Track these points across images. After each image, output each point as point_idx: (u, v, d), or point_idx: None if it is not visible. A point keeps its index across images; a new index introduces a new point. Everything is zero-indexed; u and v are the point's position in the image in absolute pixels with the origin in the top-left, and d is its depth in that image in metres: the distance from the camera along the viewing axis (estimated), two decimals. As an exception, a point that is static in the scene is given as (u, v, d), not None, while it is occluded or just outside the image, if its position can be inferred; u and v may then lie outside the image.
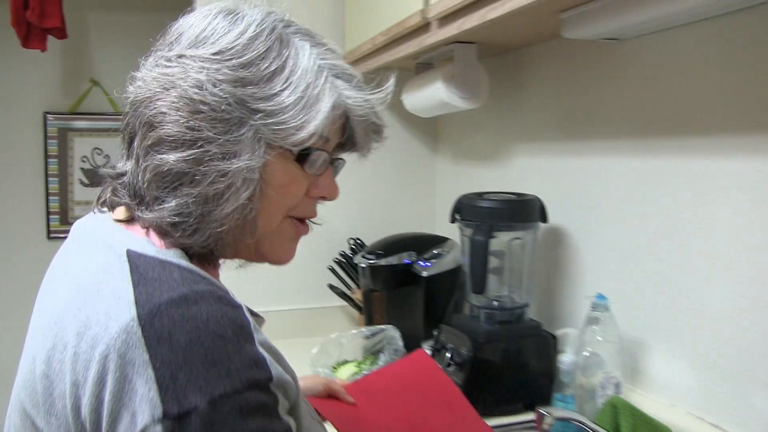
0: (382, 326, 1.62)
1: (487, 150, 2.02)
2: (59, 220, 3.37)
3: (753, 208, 1.11)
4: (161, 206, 0.74)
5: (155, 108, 0.74)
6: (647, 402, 1.33)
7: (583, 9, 1.24)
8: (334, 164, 0.88)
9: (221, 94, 0.73)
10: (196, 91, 0.73)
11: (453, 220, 1.60)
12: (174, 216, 0.73)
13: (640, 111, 1.36)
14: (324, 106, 0.76)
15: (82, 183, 3.40)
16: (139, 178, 0.75)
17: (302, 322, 2.18)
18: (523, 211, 1.53)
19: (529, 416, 1.44)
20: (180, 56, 0.75)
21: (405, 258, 1.87)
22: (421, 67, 1.89)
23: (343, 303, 2.19)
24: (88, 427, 0.65)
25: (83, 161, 3.41)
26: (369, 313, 1.99)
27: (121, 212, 0.80)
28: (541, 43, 1.69)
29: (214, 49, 0.75)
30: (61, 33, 2.64)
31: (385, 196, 2.33)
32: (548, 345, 1.52)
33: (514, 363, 1.51)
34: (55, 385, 0.68)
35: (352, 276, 2.18)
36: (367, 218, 2.30)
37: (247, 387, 0.65)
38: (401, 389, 1.17)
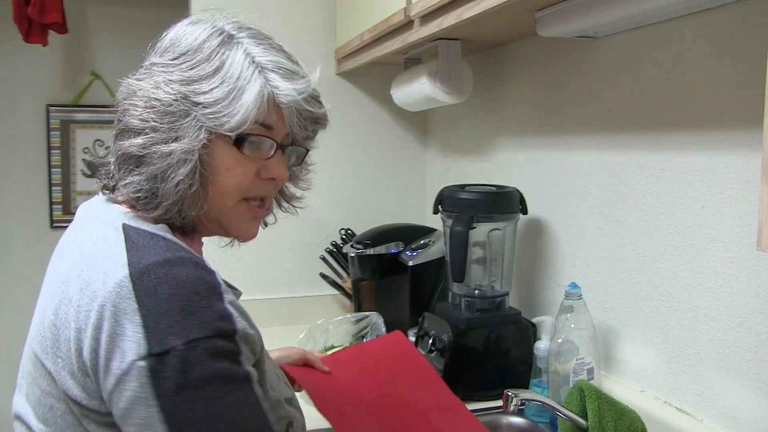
0: (367, 313, 1.67)
1: (473, 143, 2.06)
2: (62, 210, 3.44)
3: (726, 202, 1.15)
4: (125, 184, 0.89)
5: (124, 106, 0.90)
6: (619, 387, 1.38)
7: (556, 8, 1.29)
8: (285, 151, 0.97)
9: (172, 91, 0.88)
10: (153, 90, 0.88)
11: (436, 211, 1.65)
12: (134, 192, 0.88)
13: (615, 107, 1.41)
14: (249, 97, 0.88)
15: (83, 174, 3.46)
16: (112, 163, 0.92)
17: (294, 309, 2.24)
18: (503, 202, 1.58)
19: (507, 401, 1.49)
20: (152, 64, 0.92)
21: (392, 248, 1.92)
22: (409, 62, 1.94)
23: (335, 291, 2.25)
24: (88, 364, 0.79)
25: (85, 152, 3.46)
26: (358, 301, 2.04)
27: (115, 193, 0.94)
28: (522, 40, 1.74)
29: (174, 55, 0.91)
30: (61, 28, 2.69)
31: (377, 188, 2.38)
32: (527, 332, 1.58)
33: (493, 350, 1.56)
34: (61, 332, 0.81)
35: (342, 265, 2.23)
36: (358, 209, 2.35)
37: (216, 335, 0.79)
38: (375, 363, 1.22)
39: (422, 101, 1.83)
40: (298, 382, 1.13)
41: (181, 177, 0.87)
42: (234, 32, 0.93)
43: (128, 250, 0.83)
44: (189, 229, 0.95)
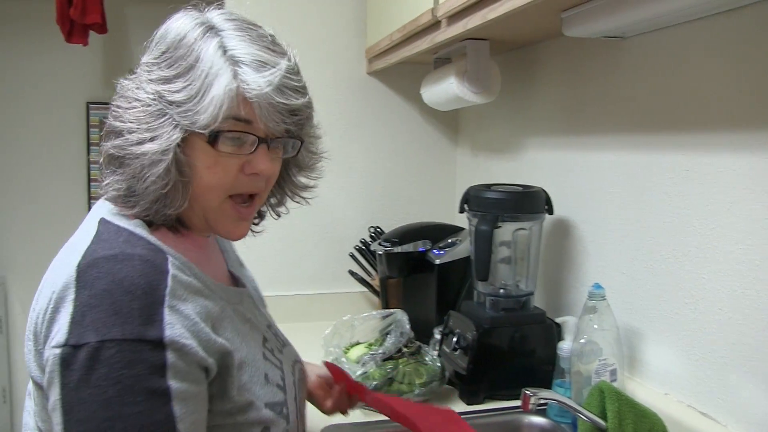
0: (392, 310, 1.69)
1: (501, 143, 2.07)
2: (100, 206, 3.51)
3: (750, 204, 1.14)
4: (106, 183, 0.91)
5: (112, 107, 0.92)
6: (642, 390, 1.37)
7: (581, 9, 1.29)
8: (271, 144, 0.93)
9: (151, 91, 0.88)
10: (136, 90, 0.90)
11: (462, 211, 1.66)
12: (113, 191, 0.90)
13: (642, 107, 1.40)
14: (216, 92, 0.85)
15: (121, 170, 3.53)
16: (100, 163, 0.94)
17: (324, 306, 2.26)
18: (528, 202, 1.58)
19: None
20: (141, 63, 0.92)
21: (420, 246, 1.94)
22: (439, 61, 1.94)
23: (363, 289, 2.27)
24: (39, 346, 0.83)
25: (123, 149, 3.54)
26: (385, 298, 2.06)
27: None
28: (549, 40, 1.74)
29: (157, 53, 0.91)
30: (101, 28, 2.76)
31: (406, 186, 2.40)
32: (551, 332, 1.58)
33: (517, 349, 1.56)
34: (34, 315, 0.85)
35: (371, 263, 2.25)
36: (387, 207, 2.37)
37: (134, 340, 0.77)
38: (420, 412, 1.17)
39: (451, 101, 1.83)
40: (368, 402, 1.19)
41: (154, 178, 0.86)
42: (219, 24, 0.91)
43: (91, 243, 0.85)
44: (178, 226, 0.95)
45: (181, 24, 0.91)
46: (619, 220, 1.48)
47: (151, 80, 0.89)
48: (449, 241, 1.93)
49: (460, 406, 1.53)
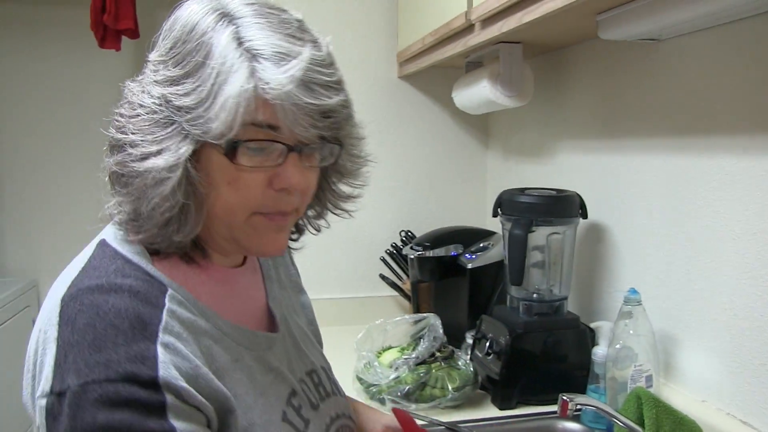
0: (425, 314, 1.68)
1: (534, 146, 2.05)
2: (131, 210, 3.54)
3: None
4: (111, 205, 0.79)
5: (114, 115, 0.79)
6: (678, 396, 1.35)
7: (617, 11, 1.28)
8: (303, 151, 0.78)
9: (156, 95, 0.75)
10: (140, 95, 0.76)
11: (495, 215, 1.65)
12: (118, 214, 0.78)
13: (677, 110, 1.38)
14: (229, 94, 0.71)
15: (153, 174, 3.56)
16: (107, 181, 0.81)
17: (355, 310, 2.27)
18: (562, 206, 1.57)
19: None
20: (148, 62, 0.79)
21: (452, 250, 1.93)
22: (471, 65, 1.94)
23: (394, 293, 2.27)
24: (26, 388, 0.74)
25: (154, 153, 3.57)
26: (417, 302, 2.06)
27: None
28: (583, 43, 1.72)
29: (164, 49, 0.77)
30: (134, 34, 2.79)
31: (437, 190, 2.39)
32: (585, 337, 1.56)
33: (550, 354, 1.55)
34: (30, 353, 0.75)
35: (402, 267, 2.25)
36: (419, 211, 2.36)
37: (122, 379, 0.66)
38: None
39: (483, 104, 1.83)
40: None
41: (158, 199, 0.73)
42: (235, 9, 0.75)
43: (80, 271, 0.76)
44: (195, 254, 0.83)
45: (191, 12, 0.76)
46: (655, 225, 1.46)
47: (156, 82, 0.75)
48: (481, 245, 1.93)
49: (492, 411, 1.53)
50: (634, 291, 1.35)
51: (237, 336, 0.83)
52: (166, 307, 0.74)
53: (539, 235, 1.59)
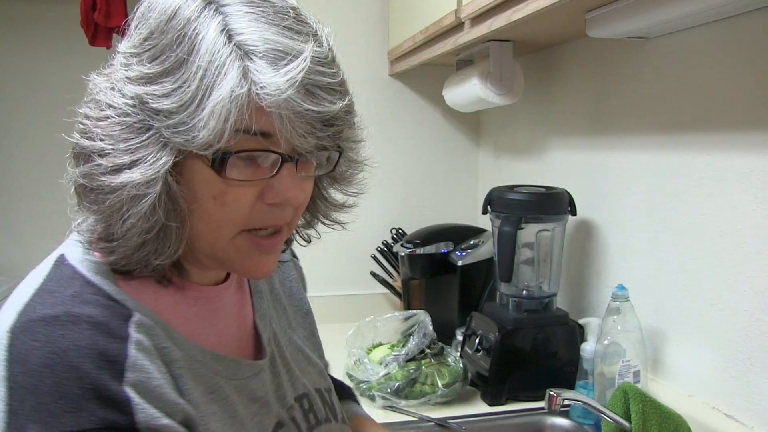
0: (415, 311, 1.69)
1: (524, 144, 2.06)
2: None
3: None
4: (77, 222, 0.70)
5: (78, 116, 0.68)
6: (666, 391, 1.37)
7: (606, 9, 1.29)
8: (299, 160, 0.69)
9: (129, 94, 0.64)
10: (109, 93, 0.66)
11: (485, 212, 1.66)
12: (86, 233, 0.69)
13: (665, 107, 1.39)
14: (219, 98, 0.61)
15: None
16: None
17: (345, 307, 2.27)
18: (552, 203, 1.58)
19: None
20: (117, 52, 0.69)
21: (442, 248, 1.94)
22: (461, 63, 1.95)
23: (385, 290, 2.27)
24: None
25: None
26: (407, 299, 2.06)
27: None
28: (572, 41, 1.73)
29: (138, 39, 0.66)
30: (124, 32, 2.79)
31: (428, 188, 2.40)
32: (574, 334, 1.57)
33: (540, 350, 1.56)
34: None
35: (393, 264, 2.26)
36: (409, 209, 2.37)
37: (101, 428, 0.59)
38: None
39: (473, 102, 1.84)
40: None
41: (135, 219, 0.63)
42: None
43: (34, 293, 0.65)
44: (170, 274, 0.73)
45: None
46: (643, 222, 1.47)
47: (129, 79, 0.64)
48: (471, 242, 1.93)
49: (482, 407, 1.53)
50: (622, 287, 1.36)
51: (213, 364, 0.74)
52: (132, 339, 0.64)
53: (529, 232, 1.59)
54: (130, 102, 0.64)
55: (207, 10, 0.63)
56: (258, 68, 0.61)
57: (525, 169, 2.06)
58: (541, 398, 1.46)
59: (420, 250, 1.93)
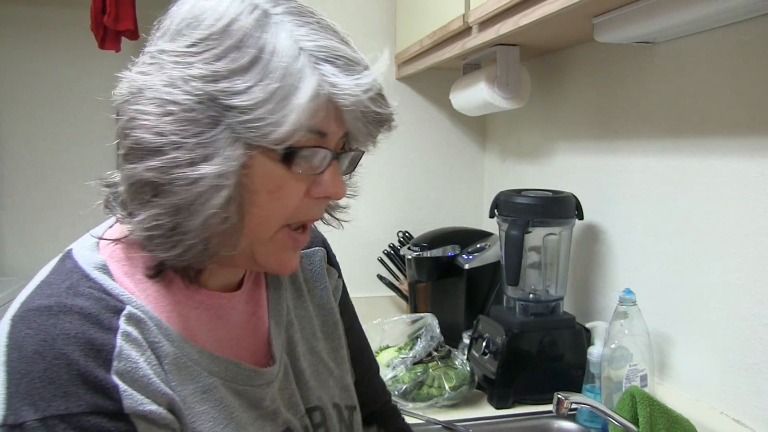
0: (422, 314, 1.70)
1: (531, 148, 2.07)
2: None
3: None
4: (136, 219, 0.70)
5: (128, 113, 0.68)
6: (673, 395, 1.37)
7: (613, 14, 1.29)
8: (339, 159, 0.76)
9: (193, 91, 0.66)
10: (169, 90, 0.66)
11: (492, 215, 1.67)
12: (147, 230, 0.69)
13: (673, 112, 1.40)
14: (302, 98, 0.66)
15: (150, 175, 3.57)
16: (121, 189, 0.72)
17: (352, 310, 2.27)
18: (558, 207, 1.58)
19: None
20: (161, 51, 0.70)
21: (449, 251, 1.94)
22: (468, 67, 1.95)
23: (392, 293, 2.28)
24: None
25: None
26: (414, 303, 2.07)
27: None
28: (579, 45, 1.74)
29: (191, 40, 0.68)
30: (133, 35, 2.80)
31: (435, 191, 2.41)
32: (581, 337, 1.57)
33: (546, 354, 1.56)
34: None
35: (400, 267, 2.26)
36: (416, 212, 2.38)
37: (85, 412, 0.62)
38: None
39: (480, 106, 1.84)
40: None
41: (213, 210, 0.66)
42: (268, 7, 0.69)
43: (37, 285, 0.70)
44: (192, 275, 0.76)
45: (219, 5, 0.69)
46: (649, 226, 1.47)
47: (191, 76, 0.66)
48: (478, 246, 1.94)
49: (489, 410, 1.54)
50: (629, 291, 1.37)
51: (209, 365, 0.75)
52: (120, 330, 0.67)
53: (536, 236, 1.60)
54: (195, 98, 0.66)
55: (265, 20, 0.68)
56: (333, 73, 0.68)
57: (531, 172, 2.07)
58: (547, 401, 1.47)
59: (427, 253, 1.94)
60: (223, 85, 0.66)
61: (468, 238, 2.00)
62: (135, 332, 0.68)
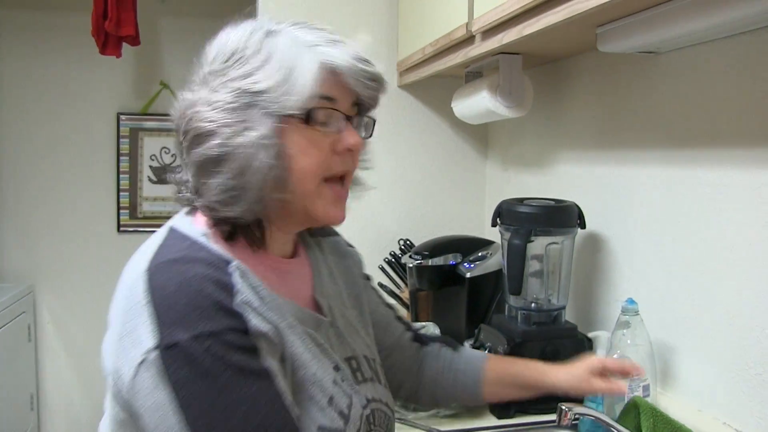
0: (423, 323, 1.69)
1: (533, 157, 2.07)
2: (129, 215, 3.54)
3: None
4: (208, 190, 0.89)
5: (188, 116, 0.90)
6: (675, 406, 1.36)
7: (617, 24, 1.29)
8: (353, 120, 0.96)
9: (230, 90, 0.88)
10: (212, 94, 0.89)
11: (494, 224, 1.66)
12: (217, 194, 0.88)
13: (676, 122, 1.40)
14: (304, 70, 0.88)
15: (150, 180, 3.58)
16: (190, 176, 0.92)
17: (352, 318, 2.27)
18: (561, 216, 1.58)
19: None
20: (207, 74, 0.92)
21: (450, 259, 1.94)
22: (470, 75, 1.95)
23: (393, 301, 2.27)
24: (114, 352, 0.83)
25: (152, 159, 3.59)
26: (415, 311, 2.06)
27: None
28: (582, 55, 1.74)
29: (223, 59, 0.91)
30: (134, 40, 2.81)
31: (436, 199, 2.40)
32: (583, 347, 1.57)
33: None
34: (115, 323, 0.85)
35: (401, 275, 2.26)
36: (417, 220, 2.37)
37: (227, 329, 0.79)
38: None
39: (483, 114, 1.84)
40: None
41: (262, 164, 0.86)
42: (274, 27, 0.93)
43: (158, 248, 0.88)
44: (253, 238, 0.95)
45: (237, 32, 0.93)
46: (652, 236, 1.47)
47: (228, 80, 0.89)
48: (479, 254, 1.94)
49: (490, 420, 1.53)
50: (631, 301, 1.36)
51: (289, 308, 0.93)
52: (234, 275, 0.85)
53: (538, 245, 1.60)
54: (232, 94, 0.88)
55: (271, 34, 0.92)
56: (323, 51, 0.89)
57: (533, 181, 2.07)
58: (549, 411, 1.47)
59: (428, 262, 1.94)
60: (249, 80, 0.88)
61: (469, 246, 2.00)
62: (242, 279, 0.86)
